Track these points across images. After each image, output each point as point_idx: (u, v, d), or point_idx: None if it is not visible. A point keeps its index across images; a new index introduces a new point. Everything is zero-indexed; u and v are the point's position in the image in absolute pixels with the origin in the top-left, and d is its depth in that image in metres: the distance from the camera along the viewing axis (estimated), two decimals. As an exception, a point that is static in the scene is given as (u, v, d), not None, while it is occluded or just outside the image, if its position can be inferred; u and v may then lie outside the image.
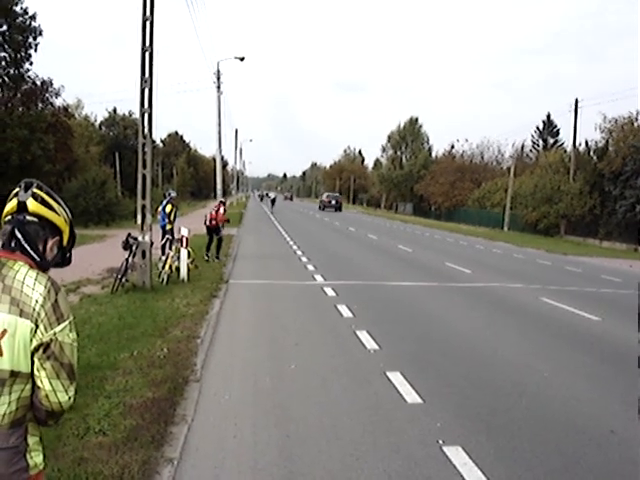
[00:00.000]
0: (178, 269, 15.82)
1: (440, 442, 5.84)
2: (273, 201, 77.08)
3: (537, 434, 6.21)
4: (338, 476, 5.12)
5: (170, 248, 16.33)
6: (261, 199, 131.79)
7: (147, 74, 13.20)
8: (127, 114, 71.65)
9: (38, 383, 2.55)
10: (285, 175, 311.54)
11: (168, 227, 18.41)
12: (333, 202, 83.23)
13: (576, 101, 51.91)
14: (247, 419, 6.31)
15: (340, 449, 5.65)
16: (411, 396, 7.20)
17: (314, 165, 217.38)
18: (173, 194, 19.21)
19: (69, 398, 2.61)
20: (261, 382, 7.62)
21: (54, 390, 2.55)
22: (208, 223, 20.97)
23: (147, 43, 13.08)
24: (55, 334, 2.52)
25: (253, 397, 7.05)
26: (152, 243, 14.31)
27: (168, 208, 18.57)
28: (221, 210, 21.45)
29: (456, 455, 5.55)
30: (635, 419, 6.88)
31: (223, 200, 24.06)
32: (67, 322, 2.57)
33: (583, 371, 8.97)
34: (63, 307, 2.57)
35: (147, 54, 13.11)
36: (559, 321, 12.88)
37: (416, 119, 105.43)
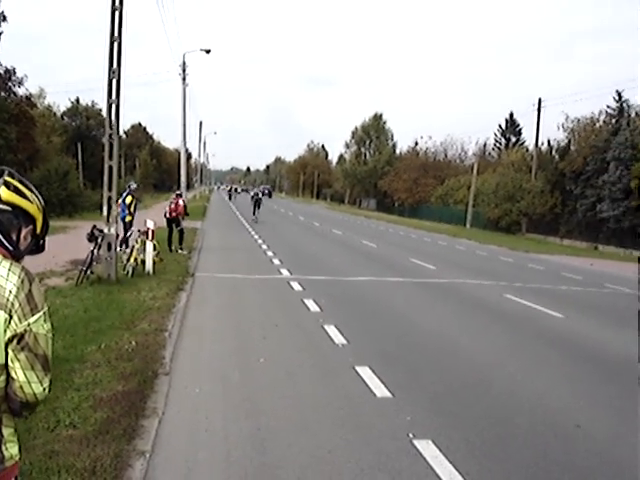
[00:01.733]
0: (143, 262, 15.70)
1: (410, 436, 5.89)
2: (257, 202, 41.90)
3: (505, 428, 6.30)
4: (310, 469, 5.14)
5: (127, 241, 16.16)
6: (230, 196, 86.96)
7: (115, 65, 13.06)
8: (90, 104, 70.76)
9: (12, 374, 2.51)
10: (249, 169, 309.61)
11: (128, 219, 18.28)
12: (265, 191, 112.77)
13: (539, 101, 52.58)
14: (218, 412, 6.30)
15: (311, 442, 5.67)
16: (380, 390, 7.25)
17: (278, 159, 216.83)
18: (133, 186, 19.10)
19: (44, 389, 2.57)
20: (230, 375, 7.61)
21: (28, 381, 2.52)
22: (168, 215, 20.97)
23: (116, 33, 12.94)
24: (29, 325, 2.48)
25: (223, 390, 7.04)
26: (118, 235, 14.19)
27: (128, 199, 18.48)
28: (180, 202, 21.42)
29: (427, 449, 5.61)
30: (600, 414, 7.04)
31: (179, 193, 24.14)
32: (41, 313, 2.53)
33: (547, 367, 9.11)
34: (37, 298, 2.53)
35: (116, 44, 12.96)
36: (523, 318, 13.06)
37: (380, 115, 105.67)
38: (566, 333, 11.78)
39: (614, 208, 42.43)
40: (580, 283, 20.77)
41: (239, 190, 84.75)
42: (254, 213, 41.41)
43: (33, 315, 2.50)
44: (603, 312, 15.14)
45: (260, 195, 43.95)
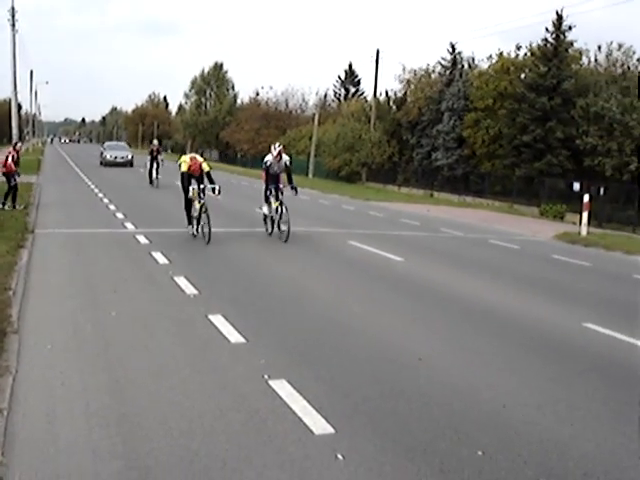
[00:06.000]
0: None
1: (266, 377, 6.15)
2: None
3: (353, 365, 6.71)
4: (171, 415, 5.28)
5: None
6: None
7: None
8: None
9: None
10: (84, 120, 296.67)
11: None
12: (68, 140, 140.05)
13: (377, 52, 53.82)
14: (73, 367, 6.28)
15: (170, 390, 5.81)
16: (234, 336, 7.45)
17: (114, 109, 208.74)
18: None
19: None
20: (82, 330, 7.55)
21: None
22: (3, 169, 19.99)
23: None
24: None
25: (76, 345, 7.00)
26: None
27: None
28: (10, 157, 20.38)
29: (281, 388, 5.89)
30: (437, 347, 7.63)
31: (17, 142, 22.98)
32: None
33: (390, 306, 9.68)
34: None
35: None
36: (367, 262, 13.68)
37: (221, 64, 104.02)
38: (406, 274, 12.47)
39: (448, 157, 44.47)
40: (418, 228, 21.84)
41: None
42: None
43: None
44: (439, 254, 16.09)
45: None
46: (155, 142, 34.88)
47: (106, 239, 14.76)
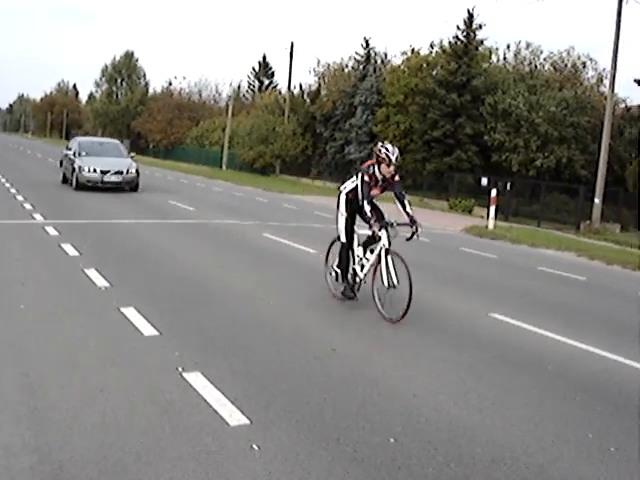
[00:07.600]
0: None
1: (180, 369, 6.13)
2: None
3: (268, 356, 6.76)
4: (83, 408, 5.20)
5: None
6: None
7: None
8: None
9: None
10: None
11: None
12: None
13: (292, 44, 53.94)
14: (-20, 361, 6.11)
15: (82, 383, 5.72)
16: (147, 329, 7.37)
17: (21, 97, 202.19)
18: None
19: None
20: (-11, 324, 7.34)
21: None
22: None
23: None
24: None
25: (-17, 339, 6.80)
26: None
27: None
28: None
29: (196, 380, 5.88)
30: (351, 337, 7.77)
31: None
32: None
33: (304, 298, 9.77)
34: None
35: None
36: (281, 254, 13.76)
37: (132, 53, 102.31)
38: (318, 266, 12.55)
39: (360, 150, 44.98)
40: (331, 221, 21.96)
41: None
42: None
43: None
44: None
45: None
46: (392, 148, 9.28)
47: (14, 231, 14.31)
